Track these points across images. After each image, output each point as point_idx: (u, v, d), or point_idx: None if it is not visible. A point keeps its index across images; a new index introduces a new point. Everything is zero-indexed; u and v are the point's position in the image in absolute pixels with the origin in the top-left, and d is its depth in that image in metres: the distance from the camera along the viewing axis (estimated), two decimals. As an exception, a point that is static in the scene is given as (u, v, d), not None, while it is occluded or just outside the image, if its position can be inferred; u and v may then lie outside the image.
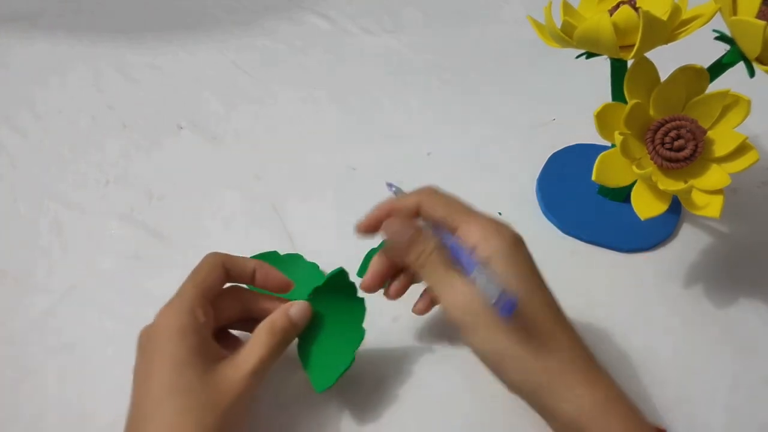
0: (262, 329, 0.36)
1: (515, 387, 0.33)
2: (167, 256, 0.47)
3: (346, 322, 0.40)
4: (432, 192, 0.37)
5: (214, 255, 0.38)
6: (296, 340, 0.41)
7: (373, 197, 0.50)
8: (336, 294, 0.40)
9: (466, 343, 0.34)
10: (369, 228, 0.38)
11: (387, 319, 0.43)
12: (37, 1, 0.65)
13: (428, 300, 0.39)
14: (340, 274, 0.40)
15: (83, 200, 0.50)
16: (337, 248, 0.47)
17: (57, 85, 0.58)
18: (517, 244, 0.35)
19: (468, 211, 0.36)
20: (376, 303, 0.40)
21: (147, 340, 0.36)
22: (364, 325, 0.40)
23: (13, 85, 0.58)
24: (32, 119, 0.56)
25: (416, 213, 0.37)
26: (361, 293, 0.40)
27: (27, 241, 0.48)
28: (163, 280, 0.43)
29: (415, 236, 0.35)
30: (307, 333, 0.40)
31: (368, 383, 0.41)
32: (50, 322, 0.44)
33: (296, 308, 0.38)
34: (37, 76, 0.59)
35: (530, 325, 0.33)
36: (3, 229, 0.49)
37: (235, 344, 0.39)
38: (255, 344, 0.36)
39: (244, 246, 0.46)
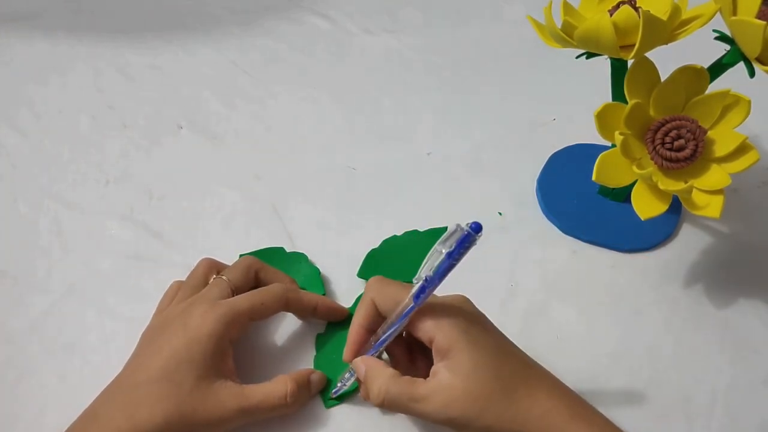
0: (287, 378, 0.37)
1: None
2: (167, 256, 0.47)
3: None
4: (378, 286, 0.37)
5: (282, 289, 0.39)
6: (313, 353, 0.42)
7: (373, 197, 0.51)
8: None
9: None
10: (353, 355, 0.37)
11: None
12: (37, 1, 0.65)
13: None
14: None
15: (83, 200, 0.50)
16: (337, 248, 0.47)
17: (57, 84, 0.58)
18: (469, 323, 0.35)
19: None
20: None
21: (176, 318, 0.37)
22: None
23: (13, 84, 0.58)
24: (32, 119, 0.56)
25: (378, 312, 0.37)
26: None
27: (27, 241, 0.48)
28: (163, 280, 0.44)
29: (368, 375, 0.35)
30: (323, 350, 0.41)
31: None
32: (50, 322, 0.44)
33: (317, 376, 0.39)
34: (37, 75, 0.59)
35: (511, 393, 0.33)
36: (3, 229, 0.49)
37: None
38: (268, 387, 0.37)
39: (244, 246, 0.47)
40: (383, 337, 0.36)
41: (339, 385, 0.39)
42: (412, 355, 0.39)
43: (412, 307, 0.34)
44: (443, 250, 0.32)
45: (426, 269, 0.33)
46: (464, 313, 0.35)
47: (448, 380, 0.33)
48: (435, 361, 0.34)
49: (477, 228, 0.32)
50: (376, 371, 0.35)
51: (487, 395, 0.33)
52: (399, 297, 0.35)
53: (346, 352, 0.37)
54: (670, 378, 0.41)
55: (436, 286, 0.33)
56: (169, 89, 0.58)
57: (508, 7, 0.66)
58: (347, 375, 0.38)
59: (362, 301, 0.37)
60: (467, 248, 0.32)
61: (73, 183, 0.51)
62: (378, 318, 0.37)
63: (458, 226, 0.32)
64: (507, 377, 0.34)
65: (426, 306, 0.34)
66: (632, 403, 0.40)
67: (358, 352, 0.37)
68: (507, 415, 0.33)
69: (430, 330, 0.34)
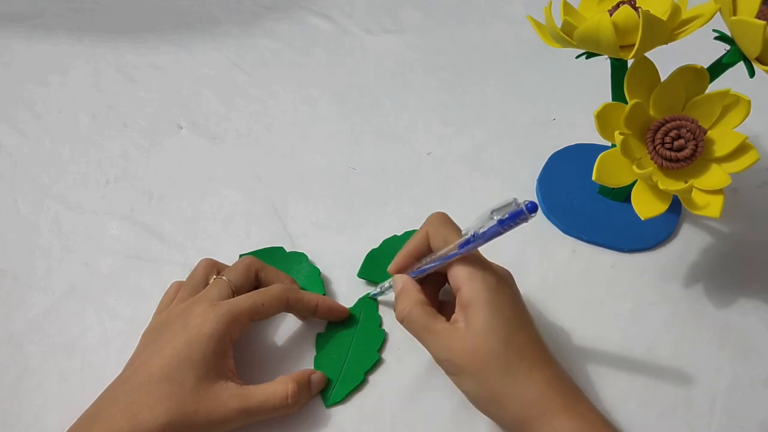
0: (287, 378, 0.38)
1: (503, 423, 0.36)
2: (167, 256, 0.47)
3: (364, 346, 0.42)
4: (437, 222, 0.38)
5: (282, 289, 0.40)
6: (313, 353, 0.42)
7: (373, 197, 0.51)
8: (360, 318, 0.43)
9: (456, 384, 0.36)
10: (397, 271, 0.40)
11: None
12: (37, 1, 0.65)
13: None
14: (369, 302, 0.44)
15: (83, 200, 0.50)
16: (337, 248, 0.47)
17: (57, 84, 0.58)
18: (500, 286, 0.36)
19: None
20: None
21: (177, 318, 0.37)
22: (383, 354, 0.42)
23: (14, 84, 0.58)
24: (32, 119, 0.56)
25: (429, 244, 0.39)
26: (384, 326, 0.43)
27: (27, 241, 0.48)
28: (163, 280, 0.44)
29: (402, 292, 0.38)
30: (323, 350, 0.42)
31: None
32: (50, 322, 0.44)
33: (317, 376, 0.40)
34: (37, 75, 0.59)
35: (512, 364, 0.34)
36: (3, 229, 0.49)
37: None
38: (269, 388, 0.37)
39: (244, 246, 0.47)
40: (423, 268, 0.38)
41: (377, 289, 0.43)
42: (442, 304, 0.41)
43: (455, 254, 0.35)
44: (495, 217, 0.33)
45: (476, 225, 0.34)
46: (499, 279, 0.36)
47: (462, 330, 0.35)
48: (456, 310, 0.36)
49: (532, 208, 0.32)
50: (409, 291, 0.37)
51: (489, 358, 0.34)
52: (449, 239, 0.36)
53: (391, 266, 0.40)
54: (670, 378, 0.41)
55: (480, 244, 0.34)
56: (169, 89, 0.58)
57: (508, 7, 0.66)
58: (387, 284, 0.41)
59: (419, 230, 0.39)
60: (517, 223, 0.33)
61: (73, 183, 0.51)
62: (426, 249, 0.39)
63: (515, 200, 0.33)
64: (514, 349, 0.34)
65: (468, 257, 0.36)
66: (632, 403, 0.40)
67: (401, 271, 0.40)
68: (499, 384, 0.34)
69: (461, 279, 0.35)
